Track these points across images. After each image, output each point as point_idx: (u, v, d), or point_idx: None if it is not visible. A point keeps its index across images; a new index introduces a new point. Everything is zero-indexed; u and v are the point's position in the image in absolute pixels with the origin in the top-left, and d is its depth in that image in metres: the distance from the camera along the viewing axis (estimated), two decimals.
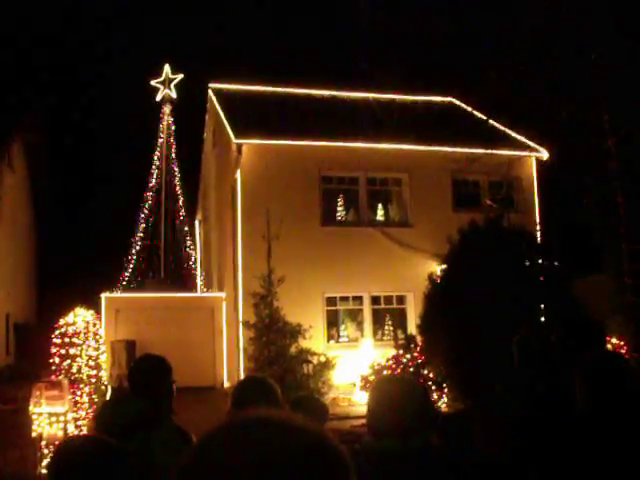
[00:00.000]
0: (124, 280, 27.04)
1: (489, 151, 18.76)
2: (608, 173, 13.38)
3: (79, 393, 15.89)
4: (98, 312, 20.54)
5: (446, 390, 15.77)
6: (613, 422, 3.48)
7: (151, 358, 4.48)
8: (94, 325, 18.57)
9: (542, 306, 14.66)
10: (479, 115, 23.97)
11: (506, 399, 4.69)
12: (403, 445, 2.90)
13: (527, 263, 15.36)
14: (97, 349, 18.26)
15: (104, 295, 22.26)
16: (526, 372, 4.28)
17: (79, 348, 17.07)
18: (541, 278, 15.48)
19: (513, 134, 24.01)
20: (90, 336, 17.97)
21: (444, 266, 16.37)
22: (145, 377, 4.25)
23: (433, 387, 15.58)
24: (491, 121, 21.26)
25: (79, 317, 17.64)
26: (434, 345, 15.45)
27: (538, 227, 19.29)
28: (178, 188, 29.41)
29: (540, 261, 15.84)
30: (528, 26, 14.48)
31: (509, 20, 14.45)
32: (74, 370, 16.49)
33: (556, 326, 4.65)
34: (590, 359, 3.69)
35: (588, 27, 14.02)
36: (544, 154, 23.33)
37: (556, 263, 15.56)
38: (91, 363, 17.52)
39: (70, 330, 17.04)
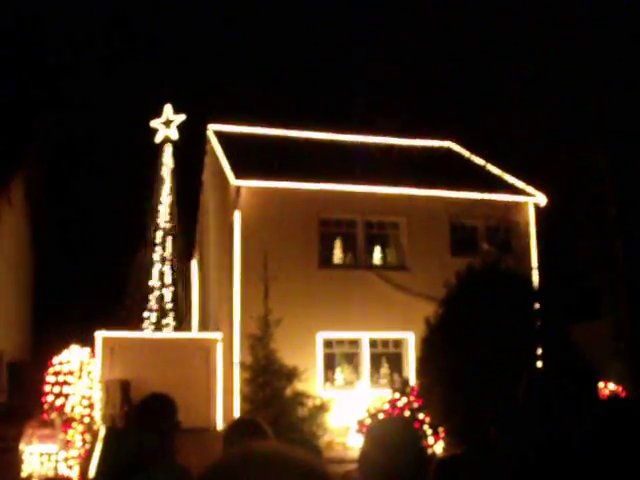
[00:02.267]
0: (120, 319, 26.95)
1: (487, 196, 18.90)
2: (606, 218, 13.45)
3: (71, 432, 15.75)
4: (93, 350, 20.44)
5: (442, 435, 15.66)
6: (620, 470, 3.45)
7: (159, 396, 4.55)
8: (89, 364, 18.49)
9: (539, 351, 14.64)
10: (477, 160, 24.16)
11: (505, 445, 4.65)
12: None
13: (524, 308, 15.36)
14: (91, 388, 18.17)
15: (99, 333, 22.15)
16: (532, 416, 4.25)
17: (73, 387, 16.98)
18: (538, 323, 15.49)
19: (511, 179, 24.14)
20: (84, 375, 17.89)
21: (441, 310, 16.36)
22: (154, 415, 4.29)
23: (429, 431, 15.48)
24: (489, 166, 21.40)
25: (74, 355, 17.57)
26: (430, 389, 15.39)
27: (535, 272, 19.32)
28: (176, 228, 29.45)
29: (537, 306, 15.85)
30: (526, 74, 14.67)
31: (508, 67, 14.63)
32: (67, 409, 16.38)
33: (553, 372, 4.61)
34: (607, 410, 3.67)
35: (587, 77, 14.20)
36: (541, 199, 23.43)
37: (553, 309, 15.56)
38: (85, 402, 17.42)
39: (64, 368, 16.97)
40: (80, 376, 17.70)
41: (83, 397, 17.54)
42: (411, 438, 3.06)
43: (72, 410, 16.54)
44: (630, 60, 13.70)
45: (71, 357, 17.58)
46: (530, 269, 20.81)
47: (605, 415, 3.62)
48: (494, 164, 23.96)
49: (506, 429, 4.57)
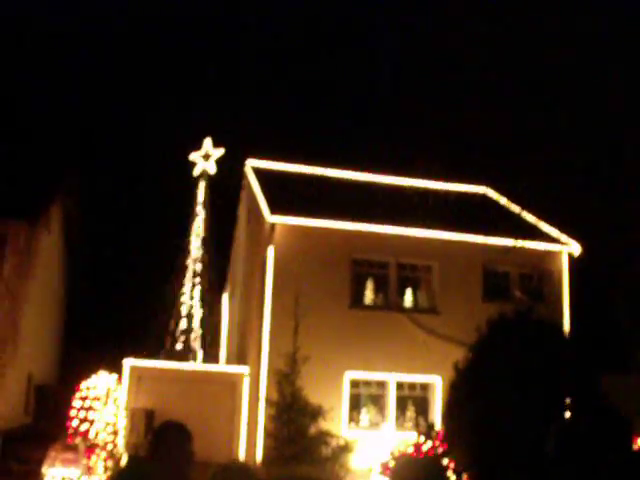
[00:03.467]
0: (149, 348, 27.03)
1: (520, 243, 18.84)
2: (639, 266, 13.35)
3: (94, 458, 15.79)
4: (120, 378, 20.53)
5: None
6: None
7: (174, 424, 4.53)
8: (115, 390, 18.57)
9: (568, 401, 14.46)
10: (512, 207, 24.12)
11: None
12: None
13: (555, 357, 15.21)
14: (116, 415, 18.21)
15: (127, 361, 22.23)
16: (563, 468, 4.19)
17: (98, 413, 17.04)
18: (569, 373, 15.33)
19: (545, 227, 24.04)
20: (110, 401, 17.96)
21: (471, 355, 16.26)
22: (167, 443, 4.28)
23: (453, 478, 15.31)
24: (524, 213, 21.37)
25: (101, 381, 17.67)
26: (456, 434, 15.24)
27: (567, 321, 19.16)
28: (210, 261, 29.59)
29: (568, 356, 15.70)
30: (562, 121, 14.70)
31: (543, 114, 14.67)
32: (91, 434, 16.43)
33: (585, 416, 4.55)
34: (617, 461, 3.63)
35: (620, 123, 14.21)
36: (575, 248, 23.29)
37: (585, 359, 15.40)
38: (109, 429, 17.48)
39: (91, 394, 17.06)
40: (106, 402, 17.78)
41: (108, 424, 17.60)
42: (432, 476, 3.05)
43: (96, 436, 16.61)
44: None
45: (98, 383, 17.69)
46: (562, 318, 20.65)
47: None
48: (529, 212, 23.91)
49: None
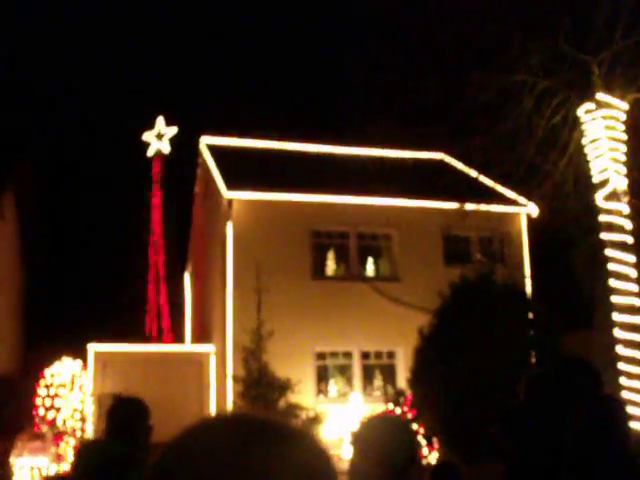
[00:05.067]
0: (113, 332, 26.80)
1: (479, 207, 18.91)
2: (596, 227, 13.45)
3: (63, 445, 15.63)
4: (85, 363, 20.32)
5: (436, 445, 15.60)
6: (608, 468, 3.43)
7: (127, 399, 4.43)
8: (80, 376, 18.38)
9: (532, 361, 14.61)
10: (469, 172, 24.19)
11: (505, 446, 4.58)
12: None
13: (517, 318, 15.34)
14: (83, 401, 18.04)
15: (92, 346, 22.03)
16: (534, 414, 4.18)
17: (64, 400, 16.87)
18: (530, 332, 15.48)
19: (502, 190, 24.14)
20: (76, 388, 17.78)
21: (434, 321, 16.32)
22: (123, 418, 4.18)
23: (423, 442, 15.41)
24: (481, 177, 21.44)
25: (65, 368, 17.47)
26: (425, 399, 15.33)
27: (528, 282, 19.32)
28: (168, 241, 29.37)
29: (530, 316, 15.84)
30: (518, 82, 14.70)
31: (499, 77, 14.65)
32: (59, 422, 16.27)
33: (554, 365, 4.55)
34: (589, 405, 3.63)
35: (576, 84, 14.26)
36: (533, 210, 23.45)
37: (546, 318, 15.55)
38: (76, 415, 17.31)
39: (56, 381, 16.86)
40: (72, 389, 17.59)
41: (75, 410, 17.43)
42: (400, 439, 2.97)
43: (64, 423, 16.44)
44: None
45: (63, 370, 17.48)
46: (523, 279, 20.82)
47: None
48: (486, 175, 23.97)
49: (507, 432, 4.51)
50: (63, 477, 3.48)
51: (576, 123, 14.44)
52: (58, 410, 16.54)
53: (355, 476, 2.95)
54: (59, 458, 15.11)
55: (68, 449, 16.03)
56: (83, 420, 17.78)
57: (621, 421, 3.62)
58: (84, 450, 4.02)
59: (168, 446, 1.10)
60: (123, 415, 4.20)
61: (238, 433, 1.06)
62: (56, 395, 16.71)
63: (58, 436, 15.59)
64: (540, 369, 4.82)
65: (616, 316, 12.99)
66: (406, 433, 3.05)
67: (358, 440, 3.00)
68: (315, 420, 18.74)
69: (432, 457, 15.44)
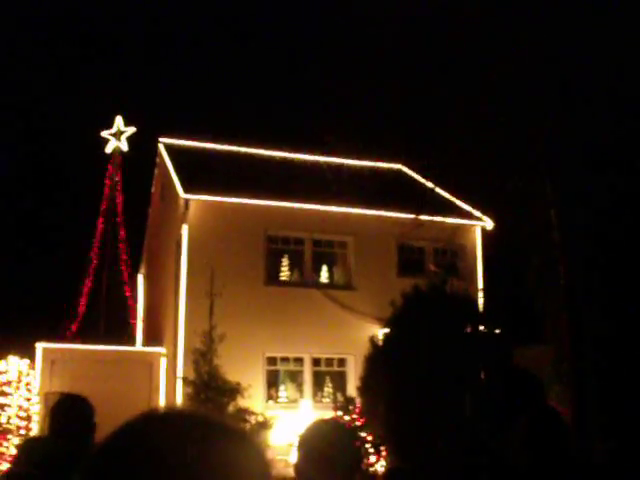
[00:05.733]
0: (62, 330, 26.51)
1: (434, 218, 19.09)
2: (550, 243, 13.66)
3: (6, 444, 15.40)
4: (33, 362, 20.05)
5: (384, 454, 15.66)
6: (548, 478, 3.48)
7: (71, 396, 4.40)
8: (27, 375, 18.14)
9: (481, 374, 14.73)
10: (426, 183, 24.37)
11: (448, 456, 4.64)
12: None
13: (468, 330, 15.46)
14: (29, 399, 17.81)
15: (40, 344, 21.73)
16: (477, 425, 4.24)
17: (9, 398, 16.63)
18: (481, 345, 15.60)
19: (458, 203, 24.38)
20: (22, 386, 17.54)
21: (386, 330, 16.40)
22: (66, 416, 4.15)
23: (371, 450, 15.47)
24: (437, 189, 21.62)
25: (11, 366, 17.23)
26: (373, 407, 15.38)
27: (481, 294, 19.47)
28: (122, 240, 29.12)
29: (482, 328, 15.98)
30: (475, 96, 14.86)
31: (457, 90, 14.82)
32: (3, 420, 16.03)
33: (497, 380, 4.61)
34: (527, 419, 3.68)
35: (535, 100, 14.44)
36: (488, 223, 23.72)
37: (497, 331, 15.70)
38: (22, 414, 17.08)
39: (1, 379, 16.62)
40: (18, 387, 17.36)
41: (20, 408, 17.20)
42: (346, 443, 2.99)
43: (8, 421, 16.20)
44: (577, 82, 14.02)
45: (8, 367, 17.24)
46: (476, 291, 21.00)
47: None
48: (443, 188, 24.18)
49: (453, 442, 4.57)
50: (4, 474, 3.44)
51: None
52: (2, 408, 16.30)
53: (300, 478, 2.96)
54: (2, 456, 14.88)
55: (11, 447, 15.79)
56: (28, 419, 17.54)
57: (561, 434, 3.68)
58: (26, 446, 3.98)
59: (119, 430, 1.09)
60: (67, 412, 4.17)
61: (197, 427, 1.06)
62: (1, 393, 16.47)
63: (2, 434, 15.37)
64: (485, 382, 4.89)
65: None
66: (351, 437, 3.08)
67: (303, 443, 3.01)
68: (264, 425, 18.71)
69: (379, 465, 15.50)
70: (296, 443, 3.05)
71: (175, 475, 0.99)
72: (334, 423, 3.40)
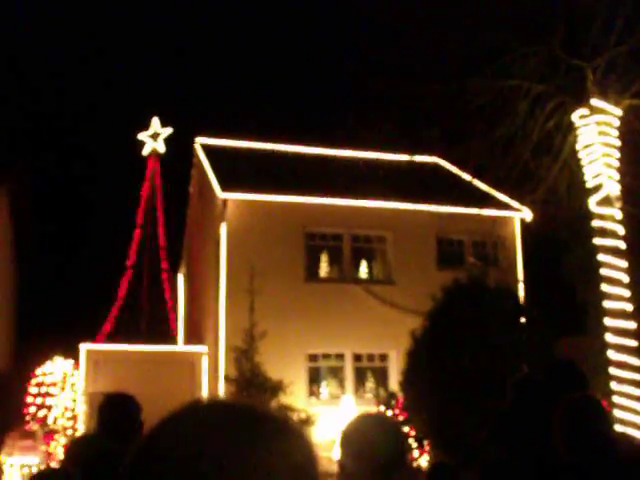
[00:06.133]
0: (105, 331, 26.78)
1: (472, 210, 18.96)
2: (589, 232, 13.49)
3: (53, 444, 15.61)
4: (77, 362, 20.29)
5: (427, 448, 15.61)
6: (592, 469, 3.44)
7: (120, 396, 4.41)
8: (72, 375, 18.36)
9: (525, 365, 14.61)
10: (463, 175, 24.21)
11: (493, 450, 4.60)
12: None
13: (510, 322, 15.35)
14: (74, 400, 18.02)
15: (84, 345, 21.97)
16: (520, 419, 4.20)
17: (56, 398, 16.84)
18: (523, 337, 15.48)
19: (496, 194, 24.17)
20: (68, 387, 17.76)
21: (427, 323, 16.33)
22: (113, 414, 4.17)
23: (414, 444, 15.42)
24: (475, 181, 21.47)
25: (57, 367, 17.44)
26: (416, 402, 15.34)
27: (521, 286, 19.33)
28: (163, 241, 29.34)
29: (523, 320, 15.86)
30: (513, 87, 14.74)
31: (494, 82, 14.69)
32: (49, 420, 16.24)
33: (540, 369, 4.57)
34: (564, 405, 3.64)
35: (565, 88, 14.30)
36: (527, 214, 23.48)
37: (539, 322, 15.57)
38: (68, 414, 17.29)
39: (47, 380, 16.84)
40: (63, 388, 17.58)
41: (66, 409, 17.41)
42: (389, 433, 2.97)
43: (54, 422, 16.42)
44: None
45: (54, 369, 17.47)
46: (516, 283, 20.85)
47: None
48: (481, 180, 24.01)
49: (495, 436, 4.53)
50: (54, 471, 3.48)
51: (570, 128, 14.48)
52: (49, 409, 16.53)
53: (343, 474, 2.94)
54: (49, 456, 15.08)
55: (59, 447, 15.99)
56: (74, 419, 17.75)
57: (599, 422, 3.62)
58: (75, 445, 4.02)
59: (158, 423, 1.07)
60: (114, 411, 4.19)
61: (237, 419, 1.04)
62: (47, 394, 16.70)
63: (49, 435, 15.57)
64: (526, 373, 4.82)
65: (608, 321, 13.02)
66: (394, 431, 3.05)
67: (346, 437, 3.00)
68: (307, 422, 18.73)
69: (423, 460, 15.45)
70: (339, 439, 3.04)
71: (222, 471, 0.97)
72: (376, 418, 3.38)
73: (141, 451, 1.05)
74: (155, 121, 29.53)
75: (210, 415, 1.06)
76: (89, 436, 4.67)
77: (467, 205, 22.33)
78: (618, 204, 13.43)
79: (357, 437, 2.95)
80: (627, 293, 13.05)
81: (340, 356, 22.52)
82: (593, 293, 13.89)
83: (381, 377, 22.69)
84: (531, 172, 15.33)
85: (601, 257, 13.24)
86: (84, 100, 53.09)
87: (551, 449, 3.67)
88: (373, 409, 17.89)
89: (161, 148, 29.48)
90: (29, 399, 16.54)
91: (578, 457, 3.47)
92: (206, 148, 26.13)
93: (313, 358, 22.22)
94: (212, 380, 22.05)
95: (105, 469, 3.52)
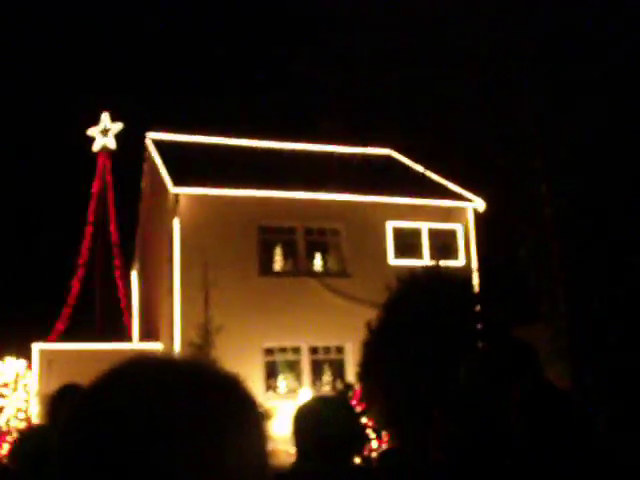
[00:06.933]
0: (58, 330, 26.41)
1: (426, 201, 19.05)
2: (542, 219, 13.62)
3: (5, 445, 15.34)
4: (30, 362, 19.97)
5: (385, 439, 15.63)
6: (553, 453, 3.41)
7: (72, 386, 4.38)
8: (25, 376, 18.07)
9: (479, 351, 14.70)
10: (417, 167, 24.32)
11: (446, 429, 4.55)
12: (331, 467, 2.77)
13: (465, 311, 15.42)
14: (27, 401, 17.74)
15: (36, 345, 21.63)
16: (473, 400, 4.16)
17: (7, 399, 16.56)
18: (479, 326, 15.57)
19: (450, 185, 24.33)
20: (20, 387, 17.48)
21: (382, 314, 16.34)
22: (60, 404, 4.13)
23: (372, 435, 15.44)
24: (428, 172, 21.56)
25: (8, 367, 17.15)
26: (372, 393, 15.34)
27: (476, 275, 19.46)
28: (115, 238, 29.00)
29: (478, 309, 15.94)
30: (465, 77, 14.80)
31: (448, 70, 14.74)
32: (1, 422, 15.97)
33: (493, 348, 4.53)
34: (524, 387, 3.61)
35: (524, 78, 14.39)
36: (480, 204, 23.67)
37: (494, 310, 15.67)
38: (20, 415, 17.01)
39: None
40: (15, 388, 17.29)
41: (19, 410, 17.13)
42: (341, 411, 2.93)
43: (7, 423, 16.14)
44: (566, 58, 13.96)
45: (6, 369, 17.17)
46: (471, 273, 20.99)
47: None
48: (433, 170, 24.14)
49: (448, 415, 4.49)
50: (36, 428, 3.40)
51: None
52: (1, 410, 16.25)
53: (299, 438, 2.91)
54: (1, 458, 14.80)
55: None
56: (27, 420, 17.47)
57: (557, 401, 3.60)
58: (22, 437, 3.92)
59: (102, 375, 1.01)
60: (63, 401, 4.15)
61: (189, 378, 0.98)
62: None
63: (0, 436, 15.31)
64: (480, 354, 4.80)
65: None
66: (348, 414, 3.01)
67: (299, 417, 2.96)
68: (264, 416, 18.69)
69: (381, 450, 15.45)
70: (292, 420, 2.99)
71: (162, 432, 0.90)
72: (330, 399, 3.33)
73: (81, 405, 0.98)
74: (105, 116, 29.17)
75: (152, 372, 1.00)
76: (37, 427, 4.60)
77: (421, 196, 22.46)
78: None
79: (313, 419, 2.91)
80: None
81: (296, 349, 22.49)
82: (546, 280, 14.03)
83: (338, 369, 22.71)
84: (484, 161, 15.44)
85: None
86: (33, 95, 52.19)
87: (504, 431, 3.64)
88: (328, 393, 17.89)
89: (111, 144, 29.12)
90: None
91: (536, 434, 3.44)
92: (157, 143, 25.90)
93: (269, 352, 22.16)
94: None
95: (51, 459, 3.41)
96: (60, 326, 26.69)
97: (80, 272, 27.99)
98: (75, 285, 27.89)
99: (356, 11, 15.03)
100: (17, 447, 3.75)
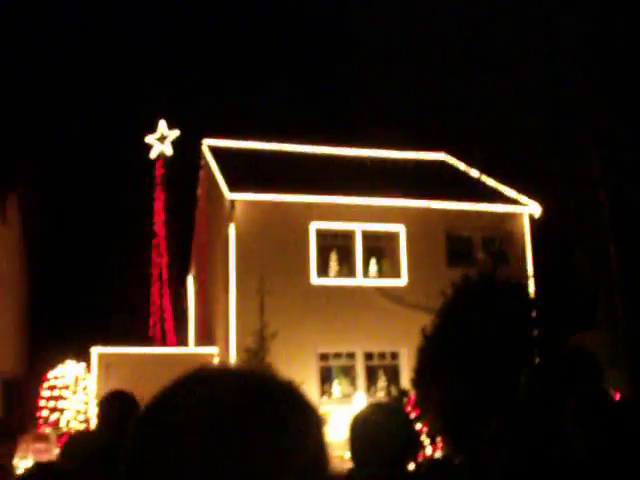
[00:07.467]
0: (116, 334, 26.82)
1: (481, 207, 18.93)
2: (600, 224, 13.45)
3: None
4: (89, 366, 20.34)
5: (440, 445, 15.56)
6: (612, 464, 3.41)
7: (119, 393, 4.48)
8: (84, 379, 18.42)
9: (536, 360, 14.56)
10: (471, 172, 24.19)
11: (496, 446, 4.56)
12: (387, 473, 2.81)
13: (521, 317, 15.28)
14: (86, 403, 18.08)
15: (95, 349, 22.01)
16: (534, 408, 4.16)
17: (68, 401, 16.90)
18: (535, 332, 15.43)
19: (504, 190, 24.13)
20: (80, 390, 17.81)
21: (437, 321, 16.28)
22: (112, 411, 4.23)
23: (427, 442, 15.39)
24: (483, 177, 21.42)
25: (69, 370, 17.51)
26: (427, 399, 15.30)
27: (531, 281, 19.26)
28: (172, 244, 29.38)
29: (534, 315, 15.79)
30: (520, 82, 14.71)
31: (503, 78, 14.67)
32: (62, 423, 16.30)
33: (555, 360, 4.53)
34: (579, 399, 3.61)
35: (580, 84, 14.24)
36: (536, 209, 23.43)
37: (550, 317, 15.51)
38: (80, 417, 17.34)
39: (59, 383, 16.90)
40: (75, 391, 17.62)
41: (78, 412, 17.46)
42: (397, 419, 2.97)
43: (67, 424, 16.46)
44: (624, 66, 13.78)
45: (66, 372, 17.52)
46: (526, 279, 20.80)
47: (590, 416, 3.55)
48: (488, 175, 23.98)
49: (506, 426, 4.49)
50: (52, 465, 3.49)
51: None
52: (62, 412, 16.59)
53: (355, 445, 2.96)
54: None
55: None
56: (87, 421, 17.80)
57: (609, 414, 3.59)
58: (72, 440, 4.02)
59: (160, 393, 1.04)
60: (111, 406, 4.25)
61: (243, 390, 0.99)
62: (60, 397, 16.75)
63: (62, 437, 15.59)
64: (540, 364, 4.78)
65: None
66: (403, 422, 3.05)
67: (357, 427, 3.01)
68: (324, 419, 18.73)
69: (436, 456, 15.39)
70: (349, 428, 3.05)
71: (223, 448, 0.93)
72: (385, 406, 3.38)
73: (143, 421, 1.02)
74: (162, 123, 29.58)
75: (219, 385, 1.02)
76: (87, 431, 4.75)
77: (475, 201, 22.31)
78: None
79: (369, 426, 2.96)
80: None
81: (351, 355, 22.50)
82: (603, 287, 13.85)
83: (393, 375, 22.66)
84: (540, 167, 15.31)
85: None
86: (90, 103, 53.08)
87: (563, 440, 3.64)
88: (383, 399, 17.87)
89: (169, 151, 29.52)
90: (42, 402, 16.60)
91: (591, 447, 3.44)
92: (213, 149, 26.16)
93: (324, 357, 22.20)
94: None
95: (101, 463, 3.52)
96: (118, 330, 27.11)
97: (139, 277, 28.39)
98: (133, 290, 28.30)
99: (410, 12, 15.03)
100: (66, 449, 3.86)
